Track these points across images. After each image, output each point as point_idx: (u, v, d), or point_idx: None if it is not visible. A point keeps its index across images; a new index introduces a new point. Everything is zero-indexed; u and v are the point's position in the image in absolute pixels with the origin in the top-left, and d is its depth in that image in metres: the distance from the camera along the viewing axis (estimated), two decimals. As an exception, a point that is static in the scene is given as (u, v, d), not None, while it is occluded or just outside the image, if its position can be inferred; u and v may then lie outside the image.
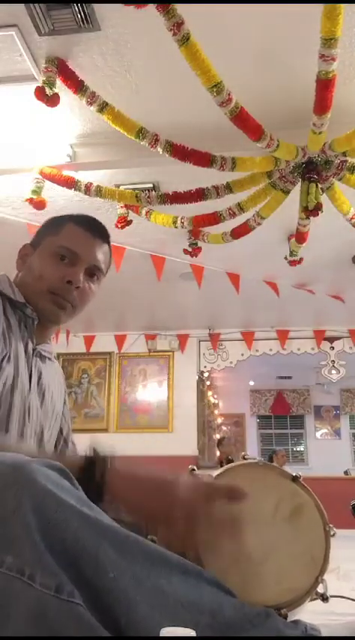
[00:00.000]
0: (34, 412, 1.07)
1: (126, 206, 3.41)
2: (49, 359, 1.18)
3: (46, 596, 0.60)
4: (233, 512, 0.80)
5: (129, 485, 0.80)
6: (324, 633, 0.81)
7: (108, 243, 1.20)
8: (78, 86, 2.46)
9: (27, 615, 0.59)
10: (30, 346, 1.09)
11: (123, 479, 0.80)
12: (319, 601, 0.83)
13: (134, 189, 3.20)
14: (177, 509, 0.78)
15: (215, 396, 8.64)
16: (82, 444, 1.29)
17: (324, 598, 0.82)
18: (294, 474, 0.87)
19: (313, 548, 0.83)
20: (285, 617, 0.77)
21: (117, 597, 0.63)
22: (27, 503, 0.62)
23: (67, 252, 1.11)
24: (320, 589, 0.82)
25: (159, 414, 6.15)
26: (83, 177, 3.08)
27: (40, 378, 1.12)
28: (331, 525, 0.84)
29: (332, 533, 0.84)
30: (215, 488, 0.84)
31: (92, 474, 0.79)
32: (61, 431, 1.22)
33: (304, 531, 0.84)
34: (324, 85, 2.19)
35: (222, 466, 0.93)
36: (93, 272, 1.15)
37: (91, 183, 3.05)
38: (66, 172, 3.05)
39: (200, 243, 3.84)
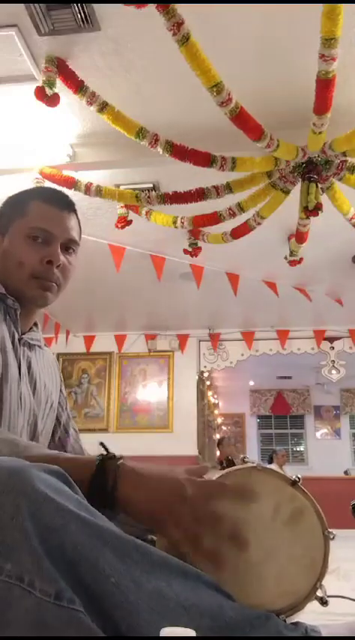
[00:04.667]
0: (26, 402, 1.06)
1: (126, 206, 3.41)
2: (39, 346, 1.16)
3: (45, 602, 0.60)
4: (231, 516, 0.79)
5: (141, 494, 0.77)
6: (324, 634, 0.80)
7: (76, 212, 1.17)
8: (78, 86, 2.46)
9: (27, 622, 0.59)
10: (16, 336, 1.07)
11: (134, 488, 0.77)
12: (317, 602, 0.83)
13: (134, 189, 3.20)
14: (187, 512, 0.76)
15: (215, 396, 8.64)
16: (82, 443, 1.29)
17: (323, 602, 0.81)
18: (293, 478, 0.87)
19: (312, 553, 0.83)
20: (284, 622, 0.77)
21: (117, 602, 0.63)
22: (25, 510, 0.62)
23: (40, 232, 1.08)
24: (318, 593, 0.82)
25: (159, 414, 6.15)
26: (83, 177, 3.07)
27: (29, 367, 1.11)
28: (330, 530, 0.84)
29: (331, 537, 0.84)
30: (224, 488, 0.82)
31: (104, 482, 0.77)
32: (58, 420, 1.21)
33: (303, 535, 0.84)
34: (324, 85, 2.19)
35: (222, 466, 0.93)
36: (69, 246, 1.14)
37: (91, 183, 3.05)
38: (66, 172, 3.05)
39: (200, 243, 3.84)
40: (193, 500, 0.76)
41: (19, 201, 1.14)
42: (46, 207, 1.11)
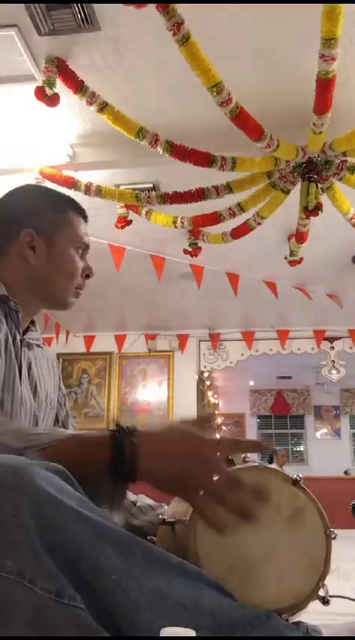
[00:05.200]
0: (26, 404, 1.06)
1: (126, 206, 3.41)
2: (38, 345, 1.18)
3: (46, 600, 0.60)
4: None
5: (160, 464, 0.76)
6: (325, 633, 0.80)
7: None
8: (78, 86, 2.46)
9: (28, 620, 0.59)
10: (17, 338, 1.08)
11: (153, 459, 0.76)
12: (320, 602, 0.83)
13: (134, 189, 3.20)
14: (208, 472, 0.76)
15: (215, 396, 8.64)
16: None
17: (325, 601, 0.81)
18: (295, 477, 0.87)
19: (314, 552, 0.83)
20: (286, 622, 0.77)
21: (118, 600, 0.63)
22: (26, 507, 0.62)
23: (83, 246, 1.18)
24: (320, 592, 0.82)
25: (159, 414, 6.15)
26: (83, 177, 3.08)
27: (29, 368, 1.11)
28: (332, 529, 0.84)
29: (333, 536, 0.84)
30: (237, 442, 0.84)
31: (121, 455, 0.75)
32: (56, 417, 1.21)
33: (304, 535, 0.83)
34: (324, 85, 2.19)
35: (221, 466, 0.93)
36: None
37: (91, 183, 3.05)
38: (66, 172, 3.05)
39: (200, 243, 3.84)
40: (213, 461, 0.78)
41: (60, 209, 1.17)
42: (82, 222, 1.19)
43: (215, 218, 3.30)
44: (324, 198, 2.88)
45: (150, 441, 0.78)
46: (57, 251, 1.13)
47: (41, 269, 1.11)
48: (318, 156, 2.67)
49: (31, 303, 1.13)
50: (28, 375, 1.10)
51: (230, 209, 3.19)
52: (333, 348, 6.21)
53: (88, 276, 1.18)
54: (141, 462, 0.75)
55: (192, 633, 0.55)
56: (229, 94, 2.23)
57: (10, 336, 1.05)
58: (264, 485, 0.85)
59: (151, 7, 1.96)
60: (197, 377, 6.31)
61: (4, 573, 0.60)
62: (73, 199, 1.21)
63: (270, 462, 6.82)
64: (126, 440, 0.77)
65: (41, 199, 1.18)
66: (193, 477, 0.76)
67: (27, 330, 1.15)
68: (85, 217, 1.20)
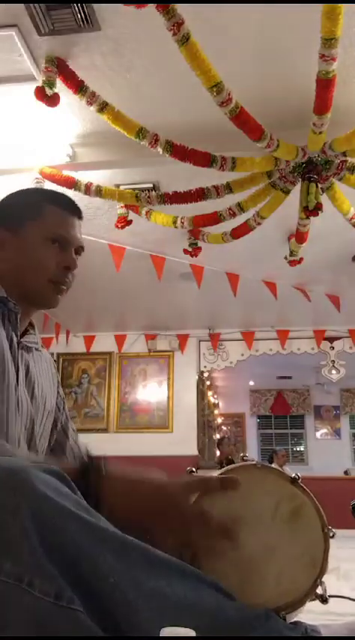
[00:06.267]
0: (23, 407, 1.05)
1: (126, 206, 3.41)
2: (36, 349, 1.16)
3: (45, 602, 0.60)
4: (230, 513, 0.80)
5: (124, 498, 0.78)
6: (324, 633, 0.80)
7: (82, 218, 1.20)
8: (78, 86, 2.46)
9: (26, 622, 0.59)
10: (14, 340, 1.06)
11: (118, 491, 0.79)
12: (318, 601, 0.83)
13: (134, 189, 3.20)
14: (174, 515, 0.77)
15: (215, 396, 8.64)
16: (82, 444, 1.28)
17: (323, 600, 0.82)
18: (293, 476, 0.87)
19: (312, 550, 0.83)
20: (284, 619, 0.77)
21: (117, 601, 0.63)
22: (25, 509, 0.62)
23: (59, 238, 1.11)
24: (319, 590, 0.82)
25: (159, 414, 6.15)
26: (83, 177, 3.07)
27: (27, 371, 1.10)
28: (330, 527, 0.84)
29: (331, 534, 0.84)
30: (208, 481, 0.84)
31: (87, 486, 0.77)
32: (55, 422, 1.20)
33: (303, 533, 0.84)
34: (324, 85, 2.19)
35: (222, 466, 0.93)
36: (78, 252, 1.17)
37: (91, 183, 3.05)
38: (66, 172, 3.05)
39: (200, 243, 3.84)
40: (177, 500, 0.78)
41: (33, 203, 1.14)
42: (64, 214, 1.14)
43: (215, 218, 3.30)
44: (324, 198, 2.88)
45: (116, 483, 0.80)
46: (23, 243, 1.10)
47: (11, 264, 1.09)
48: (318, 156, 2.67)
49: (22, 303, 1.10)
50: (26, 379, 1.09)
51: (230, 209, 3.19)
52: (333, 348, 6.21)
53: (68, 269, 1.11)
54: (105, 505, 0.77)
55: (191, 633, 0.55)
56: (229, 94, 2.23)
57: (6, 338, 1.04)
58: (261, 485, 0.85)
59: (151, 7, 1.96)
60: (197, 377, 6.31)
61: (3, 576, 0.60)
62: (57, 193, 1.18)
63: (270, 462, 6.82)
64: (94, 481, 0.79)
65: (17, 196, 1.16)
66: (157, 520, 0.78)
67: (25, 332, 1.13)
68: (72, 211, 1.15)
